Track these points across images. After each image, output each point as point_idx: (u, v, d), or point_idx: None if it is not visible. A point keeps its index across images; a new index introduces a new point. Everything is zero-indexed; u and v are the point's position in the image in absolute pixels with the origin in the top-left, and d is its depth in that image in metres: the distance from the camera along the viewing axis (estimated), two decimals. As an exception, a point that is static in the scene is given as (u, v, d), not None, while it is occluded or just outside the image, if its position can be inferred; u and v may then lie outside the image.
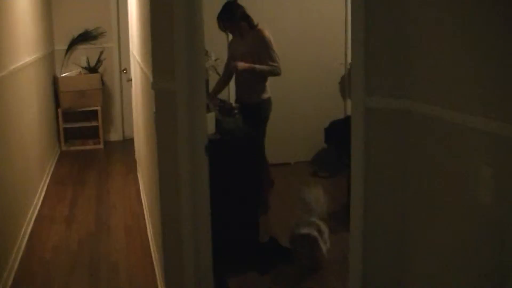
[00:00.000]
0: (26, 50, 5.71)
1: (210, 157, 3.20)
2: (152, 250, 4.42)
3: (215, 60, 5.01)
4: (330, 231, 4.29)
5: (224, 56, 5.32)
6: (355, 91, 2.53)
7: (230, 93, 6.19)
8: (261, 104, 5.07)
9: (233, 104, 4.65)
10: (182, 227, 3.19)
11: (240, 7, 5.00)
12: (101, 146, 7.94)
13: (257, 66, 4.87)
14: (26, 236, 4.79)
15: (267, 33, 4.95)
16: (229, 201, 4.15)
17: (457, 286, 2.10)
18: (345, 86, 6.61)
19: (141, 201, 5.60)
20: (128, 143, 7.81)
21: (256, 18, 5.07)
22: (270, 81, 5.12)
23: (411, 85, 2.34)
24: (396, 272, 2.58)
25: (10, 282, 4.02)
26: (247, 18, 4.97)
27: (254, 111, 4.93)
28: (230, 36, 5.47)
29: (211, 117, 3.99)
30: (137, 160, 6.63)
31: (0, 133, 4.26)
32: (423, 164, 2.30)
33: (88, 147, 7.89)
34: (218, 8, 4.98)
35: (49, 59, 7.45)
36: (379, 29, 2.43)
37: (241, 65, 4.86)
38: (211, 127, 3.98)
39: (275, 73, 4.94)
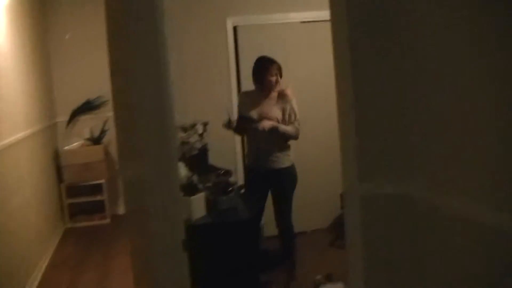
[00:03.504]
0: (19, 124, 5.36)
1: (201, 243, 2.75)
2: None
3: (205, 126, 4.53)
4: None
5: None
6: (347, 177, 2.06)
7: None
8: (287, 172, 4.56)
9: (230, 180, 4.12)
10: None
11: None
12: (108, 220, 7.49)
13: (282, 126, 4.39)
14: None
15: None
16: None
17: None
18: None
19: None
20: (136, 216, 7.33)
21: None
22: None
23: (411, 170, 1.87)
24: None
25: None
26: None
27: (278, 179, 4.48)
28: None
29: (199, 199, 3.51)
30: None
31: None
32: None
33: (94, 223, 7.44)
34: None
35: (49, 132, 7.09)
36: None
37: (268, 124, 4.33)
38: (200, 210, 3.50)
39: (296, 136, 4.47)
